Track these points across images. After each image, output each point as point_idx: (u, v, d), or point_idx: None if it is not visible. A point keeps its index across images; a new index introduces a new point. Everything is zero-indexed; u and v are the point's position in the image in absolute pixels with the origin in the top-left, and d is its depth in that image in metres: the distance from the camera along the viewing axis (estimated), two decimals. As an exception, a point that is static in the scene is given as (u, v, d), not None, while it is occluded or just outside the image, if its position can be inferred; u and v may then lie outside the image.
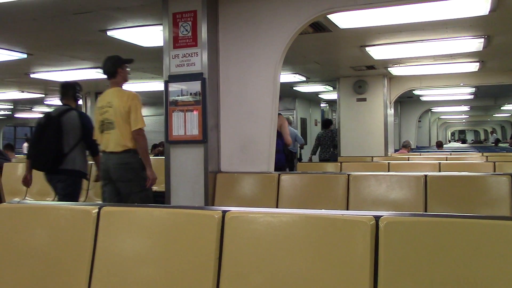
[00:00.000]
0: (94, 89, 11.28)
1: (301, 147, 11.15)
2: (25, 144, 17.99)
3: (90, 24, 5.36)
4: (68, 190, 4.76)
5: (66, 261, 2.36)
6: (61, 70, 8.36)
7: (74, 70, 8.30)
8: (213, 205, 4.25)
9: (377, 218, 1.95)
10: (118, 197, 4.45)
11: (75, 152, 4.77)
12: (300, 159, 11.75)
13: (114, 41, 5.98)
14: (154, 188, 6.58)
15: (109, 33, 5.61)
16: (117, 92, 4.41)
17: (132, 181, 4.31)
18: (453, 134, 46.05)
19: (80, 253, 2.32)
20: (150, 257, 2.25)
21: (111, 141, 4.34)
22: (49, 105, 15.41)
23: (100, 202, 4.46)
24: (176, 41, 4.36)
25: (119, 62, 4.50)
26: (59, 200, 4.88)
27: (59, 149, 4.66)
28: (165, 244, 2.25)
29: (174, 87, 4.38)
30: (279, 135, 5.92)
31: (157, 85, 10.22)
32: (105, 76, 4.54)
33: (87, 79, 9.21)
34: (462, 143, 34.27)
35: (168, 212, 2.36)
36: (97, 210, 2.37)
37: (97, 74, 8.53)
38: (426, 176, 3.96)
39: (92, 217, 2.36)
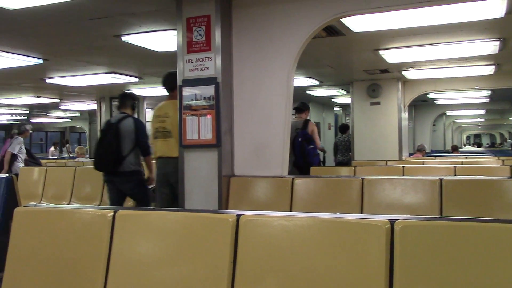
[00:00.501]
0: (108, 94, 11.37)
1: (324, 151, 11.22)
2: (52, 149, 18.05)
3: (104, 30, 5.42)
4: (135, 190, 5.46)
5: (81, 265, 2.38)
6: (77, 75, 8.44)
7: (89, 75, 8.38)
8: (227, 209, 4.25)
9: (392, 222, 1.94)
10: (175, 199, 4.76)
11: (132, 155, 5.34)
12: (324, 163, 11.80)
13: (128, 46, 6.03)
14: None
15: (123, 38, 5.66)
16: (174, 105, 4.73)
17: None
18: (468, 138, 45.58)
19: (95, 256, 2.34)
20: (164, 260, 2.26)
21: (169, 148, 4.82)
22: (64, 110, 15.58)
23: (116, 206, 4.49)
24: (190, 46, 4.38)
25: (171, 77, 4.91)
26: (133, 200, 5.65)
27: (119, 152, 5.24)
28: (179, 248, 2.25)
29: (188, 91, 4.39)
30: (312, 140, 6.88)
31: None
32: (164, 89, 5.29)
33: (102, 84, 9.30)
34: (477, 147, 33.94)
35: (182, 216, 2.37)
36: (112, 213, 2.39)
37: (112, 79, 8.61)
38: (441, 180, 3.93)
39: (107, 220, 2.37)
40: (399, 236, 1.90)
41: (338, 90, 11.28)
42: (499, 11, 4.69)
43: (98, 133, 11.87)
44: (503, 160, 8.04)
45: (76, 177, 6.91)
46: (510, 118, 24.35)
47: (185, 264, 2.20)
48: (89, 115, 17.70)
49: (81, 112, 16.78)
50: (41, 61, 7.05)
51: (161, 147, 4.89)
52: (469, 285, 1.81)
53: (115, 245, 2.32)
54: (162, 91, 10.13)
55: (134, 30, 5.42)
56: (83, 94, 11.35)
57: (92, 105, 12.91)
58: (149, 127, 5.39)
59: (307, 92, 11.40)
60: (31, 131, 9.24)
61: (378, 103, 9.63)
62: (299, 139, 6.98)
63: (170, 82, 4.93)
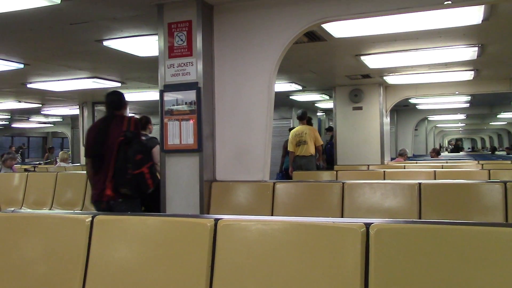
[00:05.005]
0: (91, 99, 11.29)
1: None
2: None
3: (86, 34, 5.40)
4: None
5: (59, 271, 2.36)
6: (58, 80, 8.38)
7: (71, 80, 8.32)
8: (208, 214, 4.25)
9: (367, 225, 1.97)
10: None
11: None
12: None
13: (110, 51, 6.01)
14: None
15: (105, 43, 5.64)
16: (307, 127, 8.58)
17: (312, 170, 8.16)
18: (450, 142, 46.05)
19: (73, 262, 2.33)
20: (143, 265, 2.26)
21: (303, 150, 8.32)
22: (46, 115, 15.43)
23: (94, 211, 4.46)
24: (171, 51, 4.39)
25: (306, 113, 8.88)
26: None
27: None
28: (158, 253, 2.25)
29: (169, 96, 4.40)
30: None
31: (153, 95, 10.27)
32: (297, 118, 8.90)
33: (84, 89, 9.25)
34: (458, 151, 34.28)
35: (161, 221, 2.37)
36: (90, 219, 2.38)
37: (94, 83, 8.56)
38: (420, 184, 3.98)
39: (85, 226, 2.36)
40: (374, 239, 1.93)
41: (321, 95, 11.35)
42: (477, 18, 4.78)
43: (81, 138, 11.81)
44: (482, 164, 8.15)
45: (57, 182, 6.84)
46: (490, 123, 24.68)
47: (163, 269, 2.20)
48: (72, 120, 17.56)
49: (64, 117, 16.63)
50: (22, 66, 6.99)
51: (300, 150, 8.32)
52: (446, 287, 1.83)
53: (93, 250, 2.32)
54: (144, 96, 10.14)
55: (115, 35, 5.40)
56: (65, 99, 11.27)
57: (74, 110, 12.81)
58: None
59: (290, 97, 11.45)
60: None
61: (360, 108, 9.71)
62: None
63: (303, 115, 8.71)
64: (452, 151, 30.73)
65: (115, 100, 4.56)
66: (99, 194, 4.37)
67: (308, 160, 8.34)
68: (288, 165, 8.92)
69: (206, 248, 2.12)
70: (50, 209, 6.53)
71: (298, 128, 8.62)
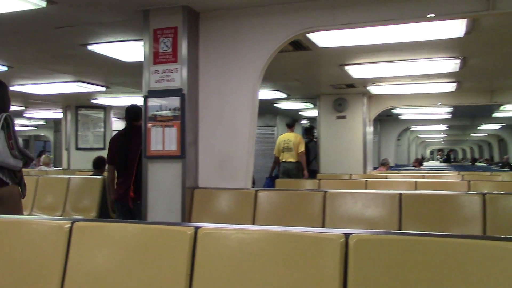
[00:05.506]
0: (74, 103, 11.20)
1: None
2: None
3: (71, 38, 5.36)
4: None
5: (36, 277, 2.33)
6: (42, 83, 8.31)
7: (55, 83, 8.25)
8: (189, 221, 4.24)
9: (347, 235, 1.98)
10: None
11: None
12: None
13: (95, 55, 5.98)
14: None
15: (90, 47, 5.61)
16: (293, 134, 9.25)
17: (299, 175, 8.83)
18: (432, 152, 46.59)
19: (51, 268, 2.30)
20: (122, 273, 2.24)
21: (290, 157, 9.00)
22: (29, 118, 15.26)
23: (75, 217, 4.42)
24: (156, 57, 4.38)
25: (295, 122, 9.71)
26: None
27: None
28: (137, 260, 2.24)
29: (153, 102, 4.39)
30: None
31: (138, 100, 10.20)
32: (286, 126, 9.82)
33: (68, 93, 9.17)
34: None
35: (141, 228, 2.36)
36: (69, 225, 2.36)
37: (78, 87, 8.50)
38: (401, 194, 4.01)
39: (64, 232, 2.34)
40: (353, 250, 1.94)
41: (305, 103, 11.40)
42: (459, 31, 4.85)
43: (63, 142, 11.69)
44: (462, 175, 8.25)
45: (38, 186, 6.76)
46: (471, 134, 25.01)
47: (142, 276, 2.19)
48: (55, 124, 17.39)
49: (47, 120, 16.46)
50: (5, 68, 6.92)
51: (286, 156, 9.02)
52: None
53: (72, 257, 2.29)
54: (128, 101, 10.12)
55: (100, 40, 5.38)
56: (49, 102, 11.16)
57: (58, 114, 12.70)
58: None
59: (275, 105, 11.48)
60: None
61: (344, 117, 9.77)
62: None
63: (291, 123, 9.59)
64: (445, 161, 31.05)
65: (133, 112, 5.24)
66: (121, 195, 4.96)
67: (294, 166, 9.09)
68: (277, 172, 9.66)
69: (185, 256, 2.12)
70: (29, 214, 6.45)
71: (285, 135, 9.43)
